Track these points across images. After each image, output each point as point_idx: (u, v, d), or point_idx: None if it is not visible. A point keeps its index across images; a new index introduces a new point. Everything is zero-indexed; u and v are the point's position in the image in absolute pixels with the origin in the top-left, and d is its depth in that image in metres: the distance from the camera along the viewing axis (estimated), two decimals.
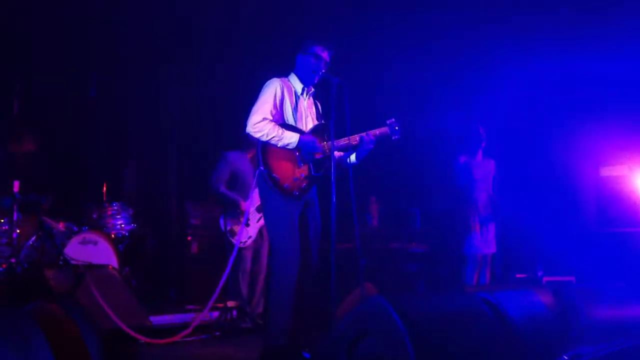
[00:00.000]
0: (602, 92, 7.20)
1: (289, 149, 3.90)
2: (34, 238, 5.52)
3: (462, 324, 2.68)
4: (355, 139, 3.96)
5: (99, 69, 7.20)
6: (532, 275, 6.35)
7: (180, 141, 8.00)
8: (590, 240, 6.95)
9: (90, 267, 4.48)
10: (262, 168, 3.86)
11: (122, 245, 6.07)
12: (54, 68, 6.70)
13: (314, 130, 4.05)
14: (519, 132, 7.28)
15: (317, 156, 3.93)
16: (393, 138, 4.04)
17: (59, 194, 6.33)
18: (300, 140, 3.88)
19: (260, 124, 3.85)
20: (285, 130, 3.88)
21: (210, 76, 7.59)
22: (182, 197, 7.68)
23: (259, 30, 6.98)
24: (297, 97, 4.06)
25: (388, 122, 4.04)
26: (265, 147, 3.89)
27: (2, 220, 5.47)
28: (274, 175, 3.85)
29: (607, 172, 7.33)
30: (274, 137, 3.85)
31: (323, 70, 3.98)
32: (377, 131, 4.02)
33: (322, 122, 4.15)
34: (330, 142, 3.83)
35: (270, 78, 4.05)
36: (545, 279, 6.22)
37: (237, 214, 5.60)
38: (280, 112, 3.97)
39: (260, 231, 5.64)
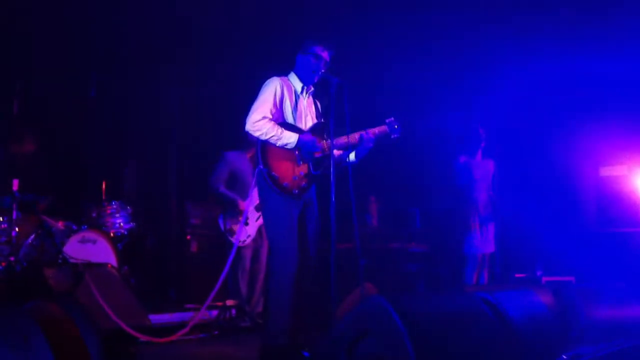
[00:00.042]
0: (602, 92, 7.20)
1: (288, 148, 3.90)
2: (33, 236, 5.51)
3: (462, 324, 2.68)
4: (354, 137, 3.96)
5: (99, 69, 7.20)
6: (531, 275, 6.36)
7: (180, 141, 7.99)
8: (589, 240, 6.95)
9: (90, 265, 4.48)
10: (261, 167, 3.86)
11: (121, 244, 6.07)
12: (54, 68, 6.70)
13: (313, 129, 4.05)
14: (519, 132, 7.29)
15: (317, 155, 3.94)
16: (392, 137, 4.05)
17: (58, 194, 6.32)
18: (299, 140, 3.88)
19: (259, 122, 3.85)
20: (284, 130, 3.88)
21: (210, 76, 7.58)
22: (182, 197, 7.67)
23: (259, 30, 6.98)
24: (296, 96, 4.07)
25: (387, 120, 4.05)
26: (264, 146, 3.89)
27: (2, 219, 5.47)
28: (274, 173, 3.85)
29: (606, 172, 7.34)
30: (272, 136, 3.85)
31: (323, 70, 3.99)
32: (376, 130, 4.02)
33: (322, 120, 4.15)
34: (329, 141, 3.83)
35: (270, 77, 4.05)
36: (544, 278, 6.22)
37: (236, 213, 5.60)
38: (280, 111, 3.98)
39: (259, 230, 5.64)
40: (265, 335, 3.87)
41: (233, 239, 5.46)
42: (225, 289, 5.59)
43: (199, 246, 7.20)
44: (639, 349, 3.56)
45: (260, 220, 5.52)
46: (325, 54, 4.03)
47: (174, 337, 4.18)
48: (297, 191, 3.89)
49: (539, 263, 6.42)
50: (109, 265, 4.72)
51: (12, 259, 5.19)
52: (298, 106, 4.06)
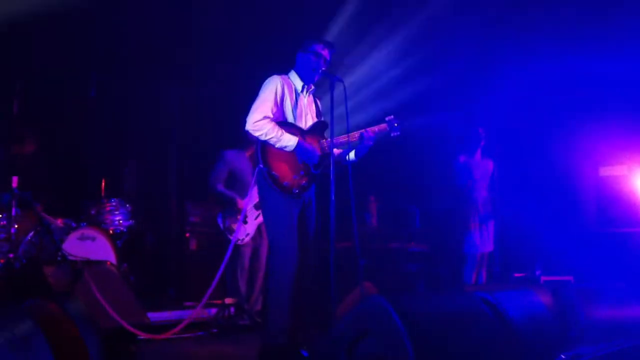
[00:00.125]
0: (602, 92, 7.21)
1: (287, 151, 3.89)
2: (32, 234, 5.52)
3: (461, 323, 2.69)
4: (354, 136, 3.96)
5: (99, 69, 7.20)
6: (530, 274, 6.36)
7: (180, 140, 7.99)
8: (589, 240, 6.96)
9: (89, 263, 4.48)
10: (261, 166, 3.86)
11: (120, 241, 6.07)
12: (54, 68, 6.69)
13: (313, 128, 4.05)
14: (519, 132, 7.29)
15: (314, 170, 3.92)
16: (392, 135, 4.05)
17: (58, 194, 6.33)
18: (298, 145, 3.87)
19: (260, 122, 3.85)
20: (284, 132, 3.87)
21: (210, 76, 7.59)
22: (182, 197, 7.68)
23: (259, 30, 6.98)
24: (297, 95, 4.06)
25: (387, 119, 4.05)
26: (264, 145, 3.88)
27: (1, 216, 5.47)
28: (274, 173, 3.85)
29: (606, 172, 7.35)
30: (272, 137, 3.84)
31: (323, 68, 3.98)
32: (375, 128, 4.02)
33: (322, 119, 4.15)
34: (329, 140, 3.83)
35: (270, 76, 4.05)
36: (543, 278, 6.22)
37: (235, 212, 5.61)
38: (280, 110, 3.97)
39: (258, 229, 5.64)
40: (264, 334, 3.87)
41: (231, 237, 5.46)
42: (224, 287, 5.60)
43: (198, 244, 7.21)
44: (638, 349, 3.57)
45: (260, 219, 5.53)
46: (325, 52, 4.03)
47: (166, 335, 4.18)
48: (297, 190, 3.89)
49: (538, 263, 6.42)
50: (108, 263, 4.71)
51: (11, 256, 5.19)
52: (298, 105, 4.06)
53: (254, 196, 5.18)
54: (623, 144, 7.15)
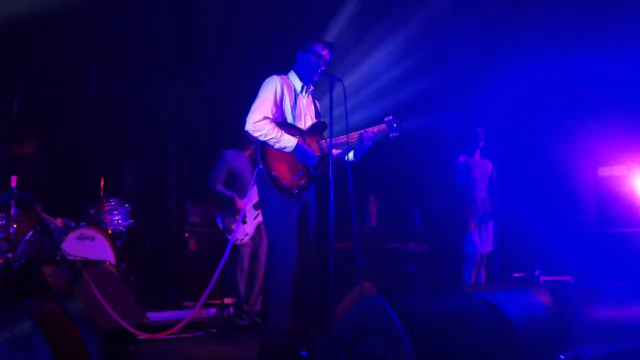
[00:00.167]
0: (601, 92, 7.21)
1: (286, 152, 3.89)
2: (31, 233, 5.52)
3: (461, 323, 2.69)
4: (353, 136, 3.96)
5: (98, 69, 7.20)
6: (529, 274, 6.36)
7: (180, 141, 8.00)
8: (588, 240, 6.97)
9: (88, 263, 4.47)
10: (261, 166, 3.86)
11: (119, 241, 6.08)
12: (53, 68, 6.70)
13: (312, 128, 4.05)
14: (518, 132, 7.29)
15: (313, 170, 3.93)
16: (391, 135, 4.05)
17: (58, 194, 6.32)
18: (297, 147, 3.87)
19: (260, 122, 3.85)
20: (284, 133, 3.87)
21: (210, 76, 7.59)
22: (182, 197, 7.68)
23: (259, 30, 6.98)
24: (296, 95, 4.06)
25: (386, 119, 4.05)
26: (264, 146, 3.88)
27: (0, 215, 5.47)
28: (273, 173, 3.85)
29: (606, 172, 7.35)
30: (272, 138, 3.84)
31: (322, 68, 3.98)
32: (375, 128, 4.03)
33: (321, 120, 4.15)
34: (328, 140, 3.83)
35: (270, 76, 4.05)
36: (542, 278, 6.23)
37: (234, 212, 5.60)
38: (279, 110, 3.97)
39: (258, 229, 5.64)
40: (264, 334, 3.87)
41: (230, 237, 5.46)
42: (223, 287, 5.60)
43: (198, 244, 7.21)
44: (638, 349, 3.57)
45: (259, 219, 5.53)
46: (325, 52, 4.03)
47: (162, 334, 4.18)
48: (296, 190, 3.89)
49: (537, 263, 6.43)
50: (107, 263, 4.71)
51: (10, 255, 5.20)
52: (297, 105, 4.05)
53: (253, 196, 5.18)
54: (622, 144, 7.16)
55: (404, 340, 2.37)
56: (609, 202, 7.29)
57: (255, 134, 3.86)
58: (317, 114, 4.20)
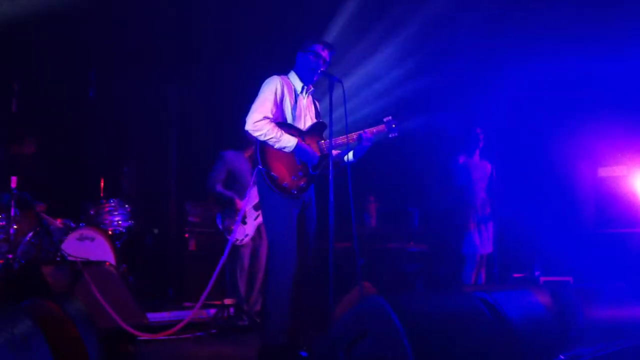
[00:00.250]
0: (601, 92, 7.21)
1: (285, 152, 3.90)
2: (31, 234, 5.51)
3: (460, 324, 2.69)
4: (353, 137, 3.97)
5: (98, 69, 7.20)
6: (529, 275, 6.36)
7: (180, 141, 8.00)
8: (588, 240, 6.96)
9: (88, 263, 4.47)
10: (260, 166, 3.86)
11: (119, 242, 6.08)
12: (52, 68, 6.69)
13: (312, 129, 4.05)
14: (518, 132, 7.29)
15: (312, 171, 3.93)
16: (390, 136, 4.05)
17: (58, 194, 6.31)
18: (297, 147, 3.88)
19: (260, 122, 3.85)
20: (284, 133, 3.87)
21: (210, 76, 7.59)
22: (182, 197, 7.68)
23: (259, 30, 6.98)
24: (296, 96, 4.06)
25: (385, 119, 4.05)
26: (263, 146, 3.88)
27: (0, 216, 5.47)
28: (273, 174, 3.85)
29: (605, 172, 7.35)
30: (271, 138, 3.84)
31: (322, 69, 3.99)
32: (374, 129, 4.03)
33: (321, 120, 4.15)
34: (328, 141, 3.83)
35: (270, 76, 4.05)
36: (542, 278, 6.23)
37: (234, 212, 5.61)
38: (279, 110, 3.97)
39: (258, 229, 5.64)
40: (264, 335, 3.87)
41: (230, 238, 5.47)
42: (223, 287, 5.60)
43: (198, 244, 7.21)
44: (637, 350, 3.58)
45: (259, 220, 5.53)
46: (325, 53, 4.03)
47: (161, 335, 4.18)
48: (296, 191, 3.89)
49: (537, 263, 6.43)
50: (107, 263, 4.71)
51: (10, 256, 5.19)
52: (297, 105, 4.06)
53: (253, 197, 5.18)
54: (622, 145, 7.16)
55: (403, 340, 2.37)
56: (609, 202, 7.28)
57: (255, 134, 3.86)
58: (317, 115, 4.20)
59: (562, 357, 3.15)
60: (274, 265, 3.87)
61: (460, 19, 6.96)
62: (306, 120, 4.09)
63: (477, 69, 7.36)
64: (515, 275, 6.55)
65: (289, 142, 3.87)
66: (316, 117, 4.18)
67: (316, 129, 4.06)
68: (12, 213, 5.33)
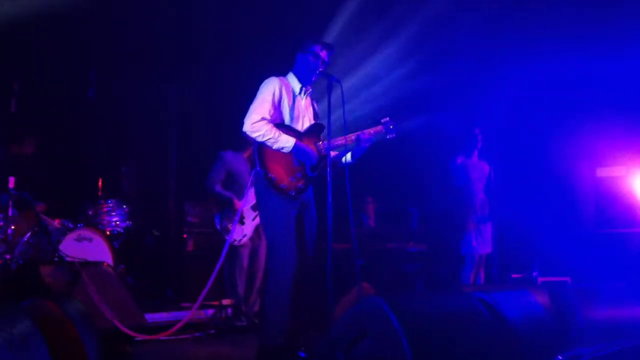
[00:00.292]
0: (601, 92, 7.22)
1: (284, 152, 3.89)
2: (29, 234, 5.51)
3: (459, 324, 2.69)
4: (351, 138, 3.96)
5: (97, 69, 7.19)
6: (528, 275, 6.36)
7: (179, 141, 7.99)
8: (587, 240, 6.97)
9: (86, 264, 4.47)
10: (258, 168, 3.86)
11: (117, 242, 6.07)
12: (52, 68, 6.69)
13: (310, 130, 4.04)
14: (517, 133, 7.30)
15: (310, 172, 3.93)
16: (388, 137, 4.05)
17: (57, 194, 6.31)
18: (295, 146, 3.88)
19: (258, 124, 3.85)
20: (282, 133, 3.87)
21: (209, 77, 7.58)
22: (181, 197, 7.68)
23: (259, 30, 6.98)
24: (294, 97, 4.06)
25: (383, 121, 4.04)
26: (261, 147, 3.88)
27: None
28: (270, 175, 3.85)
29: (604, 172, 7.36)
30: (270, 138, 3.84)
31: (321, 69, 3.98)
32: (372, 130, 4.02)
33: (319, 122, 4.15)
34: (326, 142, 3.83)
35: (268, 77, 4.05)
36: (540, 279, 6.23)
37: (232, 212, 5.61)
38: (277, 111, 3.97)
39: (257, 229, 5.64)
40: (263, 335, 3.87)
41: (227, 238, 5.47)
42: (221, 288, 5.60)
43: (196, 245, 7.21)
44: (637, 350, 3.58)
45: (257, 220, 5.52)
46: (324, 53, 4.03)
47: (160, 335, 4.18)
48: (294, 192, 3.89)
49: (536, 263, 6.43)
50: (105, 264, 4.71)
51: (7, 257, 5.19)
52: (296, 107, 4.05)
53: (251, 197, 5.18)
54: (621, 145, 7.17)
55: (402, 340, 2.37)
56: (608, 202, 7.29)
57: (253, 135, 3.85)
58: (316, 116, 4.19)
59: (561, 357, 3.16)
60: (273, 266, 3.87)
61: (460, 19, 6.96)
62: (304, 121, 4.09)
63: (477, 69, 7.36)
64: (514, 275, 6.55)
65: (287, 142, 3.86)
66: (314, 118, 4.17)
67: (314, 130, 4.05)
68: (10, 213, 5.33)
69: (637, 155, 7.19)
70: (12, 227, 5.37)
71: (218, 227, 5.66)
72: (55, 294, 3.86)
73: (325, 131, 3.88)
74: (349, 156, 4.07)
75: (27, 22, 6.07)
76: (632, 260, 6.61)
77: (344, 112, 3.79)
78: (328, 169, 3.71)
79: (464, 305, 2.83)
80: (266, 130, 3.83)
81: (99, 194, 6.29)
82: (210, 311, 5.50)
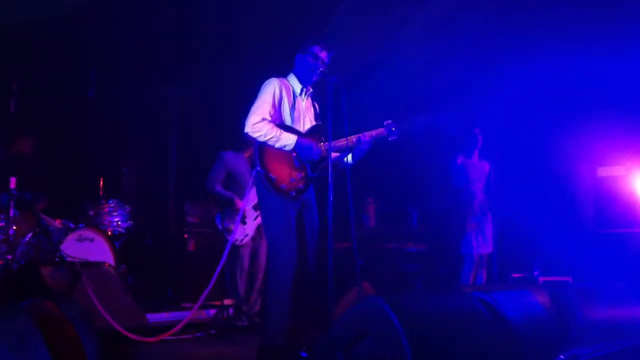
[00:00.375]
0: (601, 92, 7.21)
1: (286, 150, 3.90)
2: (30, 235, 5.51)
3: (459, 324, 2.69)
4: (352, 139, 3.96)
5: (97, 69, 7.19)
6: (528, 275, 6.36)
7: (180, 141, 7.99)
8: (587, 240, 6.97)
9: (87, 264, 4.47)
10: (258, 168, 3.86)
11: (119, 243, 6.07)
12: (52, 68, 6.69)
13: (311, 131, 4.04)
14: (517, 132, 7.30)
15: (311, 172, 3.93)
16: (389, 139, 4.04)
17: (57, 194, 6.32)
18: (297, 143, 3.88)
19: (259, 124, 3.85)
20: (283, 132, 3.88)
21: (209, 77, 7.58)
22: (181, 197, 7.68)
23: (259, 30, 6.98)
24: (295, 98, 4.06)
25: (385, 123, 4.04)
26: (262, 148, 3.88)
27: None
28: (271, 175, 3.85)
29: (604, 172, 7.36)
30: (271, 137, 3.84)
31: (321, 69, 3.98)
32: (373, 132, 4.02)
33: (320, 122, 4.15)
34: (327, 143, 3.83)
35: (269, 78, 4.05)
36: (541, 279, 6.23)
37: (233, 212, 5.60)
38: (278, 112, 3.97)
39: (258, 229, 5.64)
40: (264, 335, 3.87)
41: (230, 238, 5.46)
42: (222, 288, 5.59)
43: (197, 245, 7.21)
44: (637, 350, 3.58)
45: (259, 220, 5.52)
46: (323, 54, 4.03)
47: (162, 336, 4.18)
48: (294, 193, 3.89)
49: (536, 263, 6.43)
50: (106, 264, 4.72)
51: (9, 257, 5.19)
52: (296, 107, 4.05)
53: (252, 197, 5.18)
54: (621, 145, 7.17)
55: (402, 340, 2.37)
56: (608, 202, 7.29)
57: (255, 136, 3.85)
58: (317, 117, 4.19)
59: (561, 357, 3.15)
60: (273, 266, 3.87)
61: (460, 19, 6.96)
62: (305, 122, 4.09)
63: (477, 69, 7.35)
64: (515, 275, 6.55)
65: (288, 139, 3.87)
66: (316, 119, 4.17)
67: (315, 131, 4.05)
68: (11, 214, 5.34)
69: (637, 155, 7.19)
70: (14, 228, 5.38)
71: (219, 227, 5.66)
72: (55, 294, 3.86)
73: (327, 132, 3.87)
74: (349, 157, 4.07)
75: (27, 22, 6.07)
76: (632, 260, 6.61)
77: (344, 113, 3.79)
78: (330, 169, 3.71)
79: (464, 305, 2.83)
80: (267, 130, 3.83)
81: (100, 194, 6.29)
82: (212, 311, 5.50)
